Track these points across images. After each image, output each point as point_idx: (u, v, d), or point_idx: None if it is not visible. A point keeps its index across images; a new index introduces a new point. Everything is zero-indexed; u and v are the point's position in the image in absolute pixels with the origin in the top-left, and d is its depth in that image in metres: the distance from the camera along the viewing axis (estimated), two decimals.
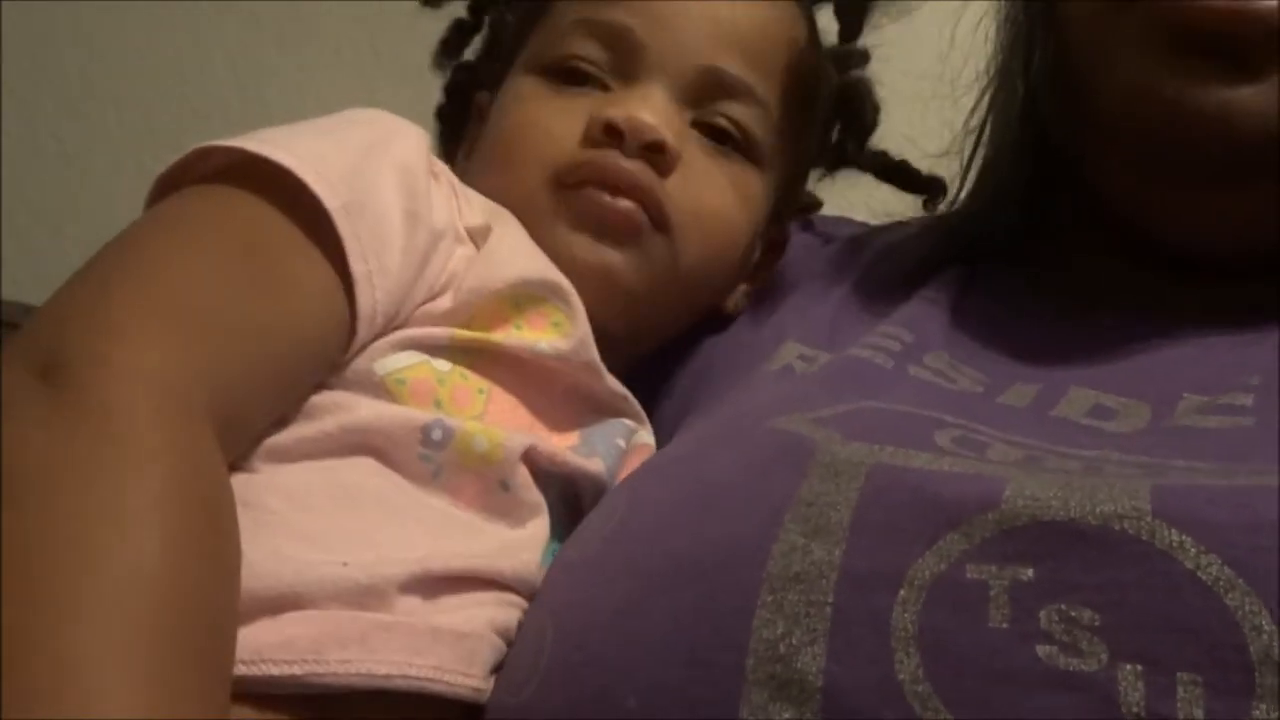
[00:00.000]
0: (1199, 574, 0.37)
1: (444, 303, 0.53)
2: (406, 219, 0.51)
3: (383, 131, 0.54)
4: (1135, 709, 0.36)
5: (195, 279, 0.45)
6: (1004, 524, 0.39)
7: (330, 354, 0.49)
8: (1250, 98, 0.53)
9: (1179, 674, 0.36)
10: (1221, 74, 0.53)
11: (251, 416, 0.46)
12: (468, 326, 0.53)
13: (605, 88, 0.61)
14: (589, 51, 0.62)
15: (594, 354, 0.56)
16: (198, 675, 0.37)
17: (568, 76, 0.62)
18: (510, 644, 0.48)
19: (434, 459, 0.48)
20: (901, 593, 0.39)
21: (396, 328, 0.51)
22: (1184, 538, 0.37)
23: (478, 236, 0.56)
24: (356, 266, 0.48)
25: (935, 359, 0.57)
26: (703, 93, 0.62)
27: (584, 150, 0.59)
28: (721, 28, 0.62)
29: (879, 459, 0.43)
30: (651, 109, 0.59)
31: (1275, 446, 0.44)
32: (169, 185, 0.50)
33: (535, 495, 0.51)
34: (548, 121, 0.61)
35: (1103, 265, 0.60)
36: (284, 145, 0.48)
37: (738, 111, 0.62)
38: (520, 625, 0.49)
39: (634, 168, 0.59)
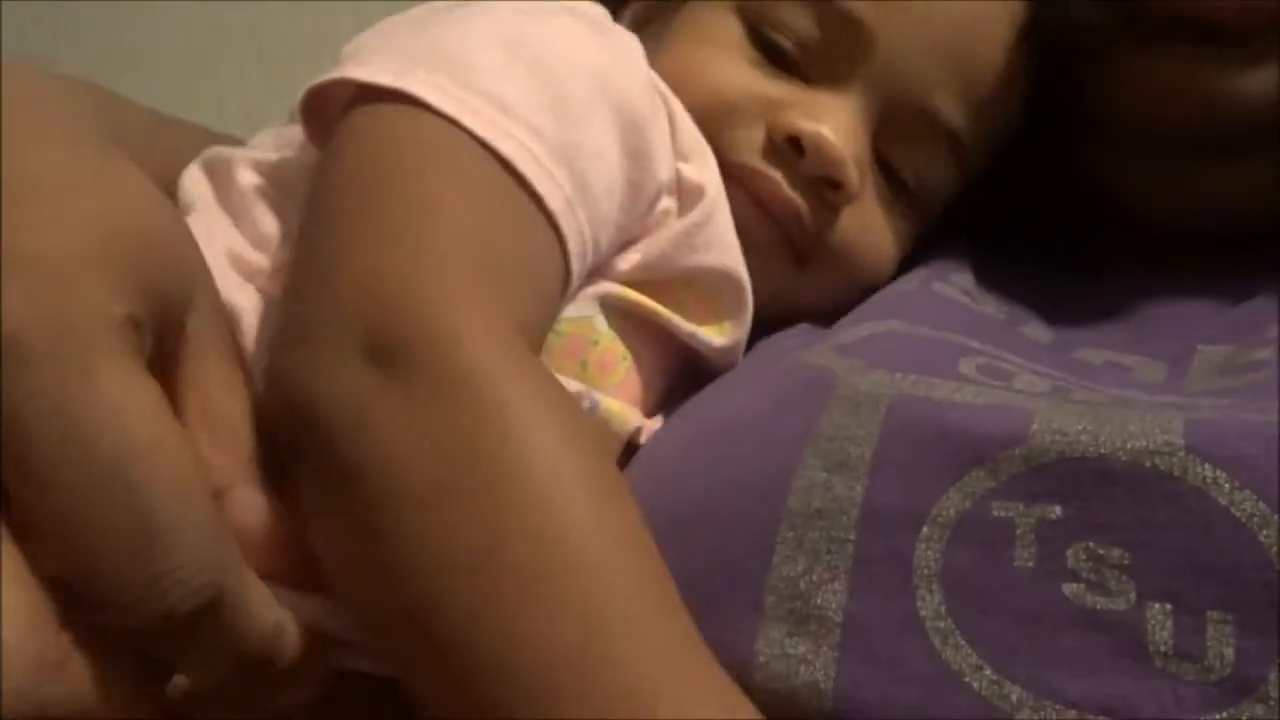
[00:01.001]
0: (1232, 510, 0.35)
1: (633, 257, 0.49)
2: (627, 189, 0.46)
3: (603, 63, 0.47)
4: (1163, 647, 0.35)
5: (482, 226, 0.42)
6: (1031, 460, 0.38)
7: (561, 299, 0.46)
8: (1244, 82, 0.51)
9: (1209, 613, 0.35)
10: (1215, 59, 0.51)
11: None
12: (639, 287, 0.49)
13: (806, 79, 0.53)
14: (803, 28, 0.53)
15: (740, 356, 0.53)
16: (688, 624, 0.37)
17: (770, 49, 0.53)
18: None
19: None
20: (925, 530, 0.38)
21: None
22: (1218, 473, 0.36)
23: (684, 191, 0.50)
24: (576, 265, 0.45)
25: (961, 278, 0.56)
26: (904, 131, 0.54)
27: (758, 153, 0.52)
28: (957, 64, 0.53)
29: (901, 390, 0.42)
30: (846, 131, 0.52)
31: None
32: (326, 97, 0.45)
33: None
34: (732, 95, 0.52)
35: (1096, 236, 0.59)
36: (500, 105, 0.43)
37: (932, 162, 0.55)
38: None
39: (799, 199, 0.52)
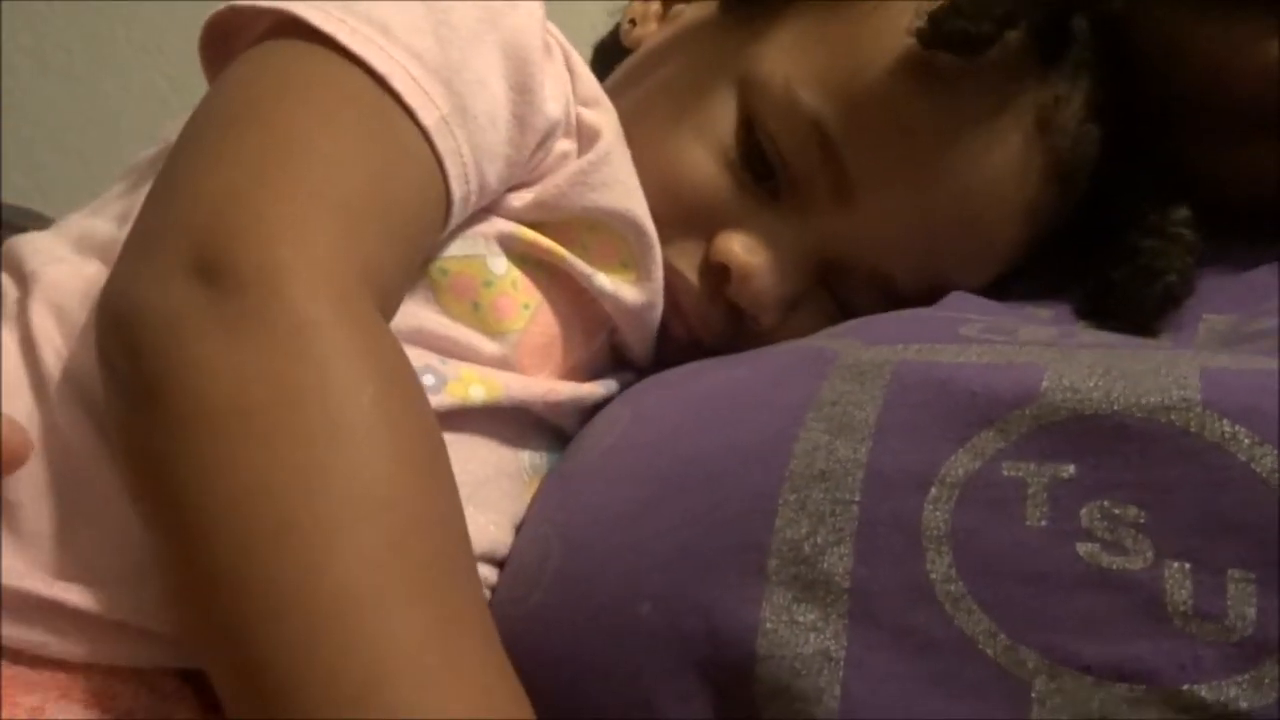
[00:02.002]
0: (1253, 466, 0.34)
1: (526, 195, 0.48)
2: (513, 124, 0.45)
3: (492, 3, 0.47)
4: (1183, 607, 0.34)
5: (341, 162, 0.40)
6: (1042, 419, 0.37)
7: (435, 233, 0.45)
8: None
9: (1230, 571, 0.34)
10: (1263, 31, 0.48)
11: (397, 300, 0.43)
12: (540, 228, 0.48)
13: (776, 195, 0.50)
14: (794, 151, 0.49)
15: (653, 327, 0.51)
16: (463, 596, 0.36)
17: (755, 152, 0.50)
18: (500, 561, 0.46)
19: None
20: (933, 491, 0.37)
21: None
22: (1237, 429, 0.35)
23: (583, 134, 0.49)
24: (456, 188, 0.43)
25: None
26: (852, 279, 0.51)
27: (694, 263, 0.50)
28: (930, 254, 0.50)
29: (903, 356, 0.41)
30: (786, 269, 0.49)
31: None
32: (228, 28, 0.45)
33: None
34: (695, 200, 0.50)
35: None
36: (380, 27, 0.43)
37: (876, 305, 0.50)
38: (518, 535, 0.46)
39: (716, 316, 0.51)
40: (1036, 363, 0.39)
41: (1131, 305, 0.48)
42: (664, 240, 0.50)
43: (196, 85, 0.45)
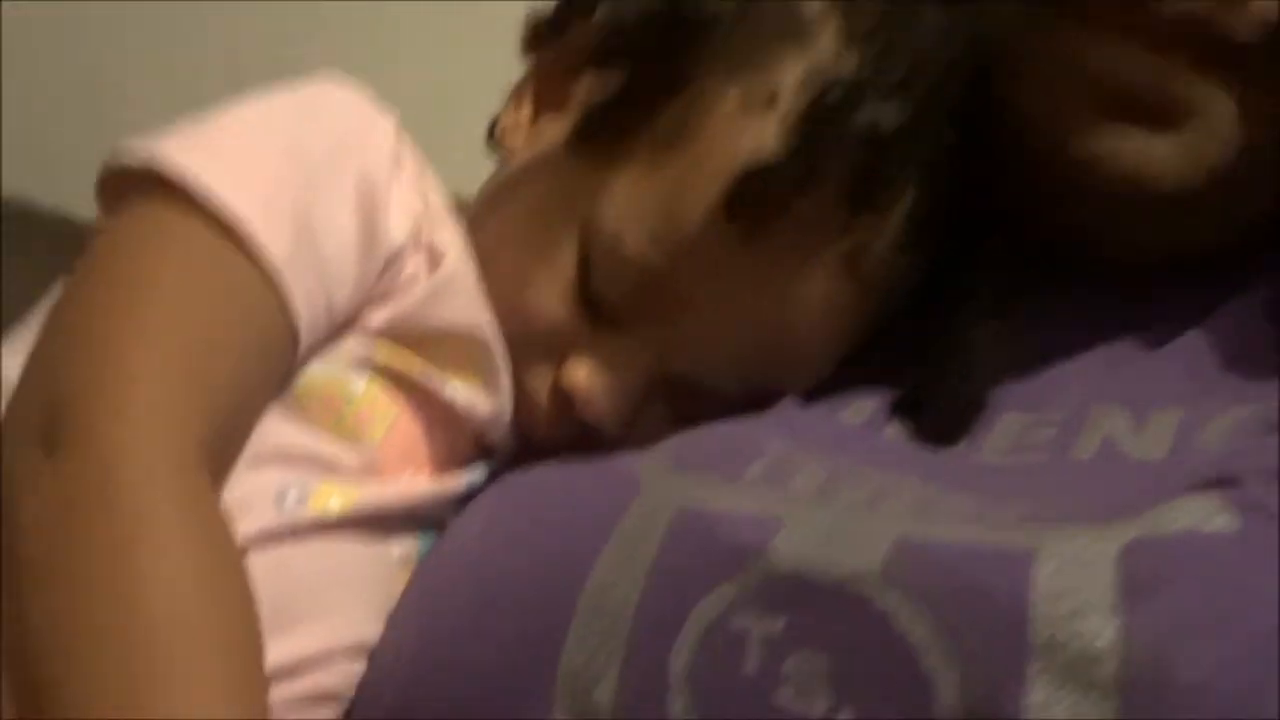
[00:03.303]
0: (908, 637, 0.41)
1: (381, 313, 0.54)
2: (360, 252, 0.52)
3: (345, 132, 0.54)
4: None
5: (184, 320, 0.47)
6: (769, 574, 0.44)
7: (285, 365, 0.52)
8: (1169, 153, 0.54)
9: None
10: (1141, 132, 0.54)
11: (242, 440, 0.50)
12: (395, 344, 0.54)
13: (615, 323, 0.56)
14: (626, 287, 0.55)
15: (506, 429, 0.58)
16: None
17: (593, 291, 0.56)
18: None
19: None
20: (680, 634, 0.45)
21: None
22: (902, 600, 0.42)
23: (432, 254, 0.55)
24: (302, 311, 0.50)
25: None
26: (690, 390, 0.57)
27: (544, 385, 0.57)
28: (762, 365, 0.57)
29: (687, 497, 0.48)
30: (625, 387, 0.56)
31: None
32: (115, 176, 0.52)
33: None
34: (542, 327, 0.56)
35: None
36: (234, 169, 0.50)
37: (720, 408, 0.56)
38: (386, 627, 0.53)
39: (566, 430, 0.57)
40: (781, 518, 0.46)
41: (927, 416, 0.55)
42: (517, 360, 0.57)
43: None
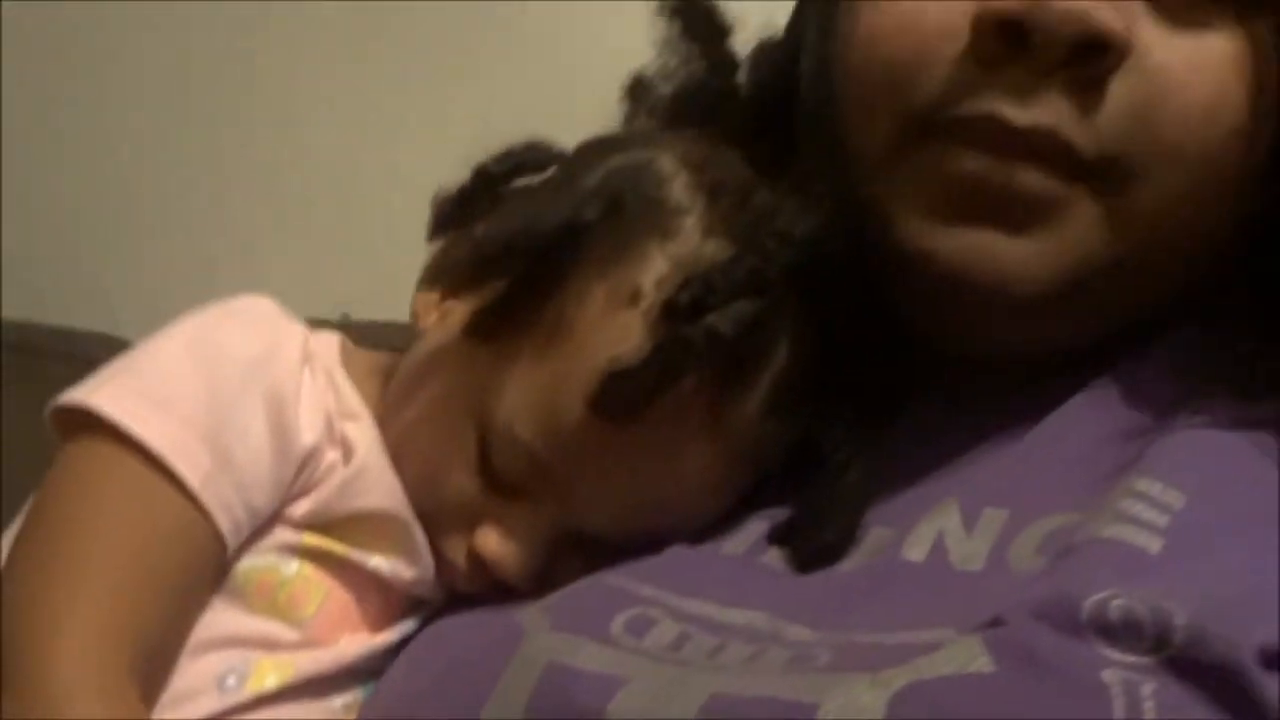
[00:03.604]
0: None
1: (303, 504, 0.62)
2: (275, 458, 0.59)
3: (254, 353, 0.61)
4: None
5: (112, 549, 0.56)
6: None
7: (216, 569, 0.60)
8: (1030, 256, 0.57)
9: None
10: (1002, 232, 0.57)
11: (174, 653, 0.58)
12: (319, 530, 0.62)
13: (517, 492, 0.61)
14: (518, 468, 0.61)
15: (432, 587, 0.64)
16: None
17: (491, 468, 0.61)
18: None
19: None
20: None
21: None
22: None
23: (345, 447, 0.62)
24: (224, 523, 0.58)
25: None
26: (593, 544, 0.62)
27: (461, 553, 0.63)
28: (645, 524, 0.62)
29: (554, 654, 0.54)
30: (529, 551, 0.62)
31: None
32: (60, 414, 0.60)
33: None
34: (450, 504, 0.63)
35: None
36: (155, 400, 0.58)
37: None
38: None
39: (489, 586, 0.63)
40: (626, 678, 0.52)
41: (800, 549, 0.60)
42: (432, 530, 0.64)
43: None
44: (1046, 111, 0.55)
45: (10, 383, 1.10)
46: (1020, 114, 0.55)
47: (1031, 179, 0.56)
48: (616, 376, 0.58)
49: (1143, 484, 0.54)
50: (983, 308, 0.60)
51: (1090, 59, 0.54)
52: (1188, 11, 0.56)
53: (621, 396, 0.58)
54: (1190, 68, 0.55)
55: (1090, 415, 0.61)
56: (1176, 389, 0.60)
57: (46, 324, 1.22)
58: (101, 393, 0.59)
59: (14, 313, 1.25)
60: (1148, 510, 0.53)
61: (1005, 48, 0.55)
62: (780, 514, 0.63)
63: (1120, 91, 0.55)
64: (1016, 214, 0.57)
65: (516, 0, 1.30)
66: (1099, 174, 0.56)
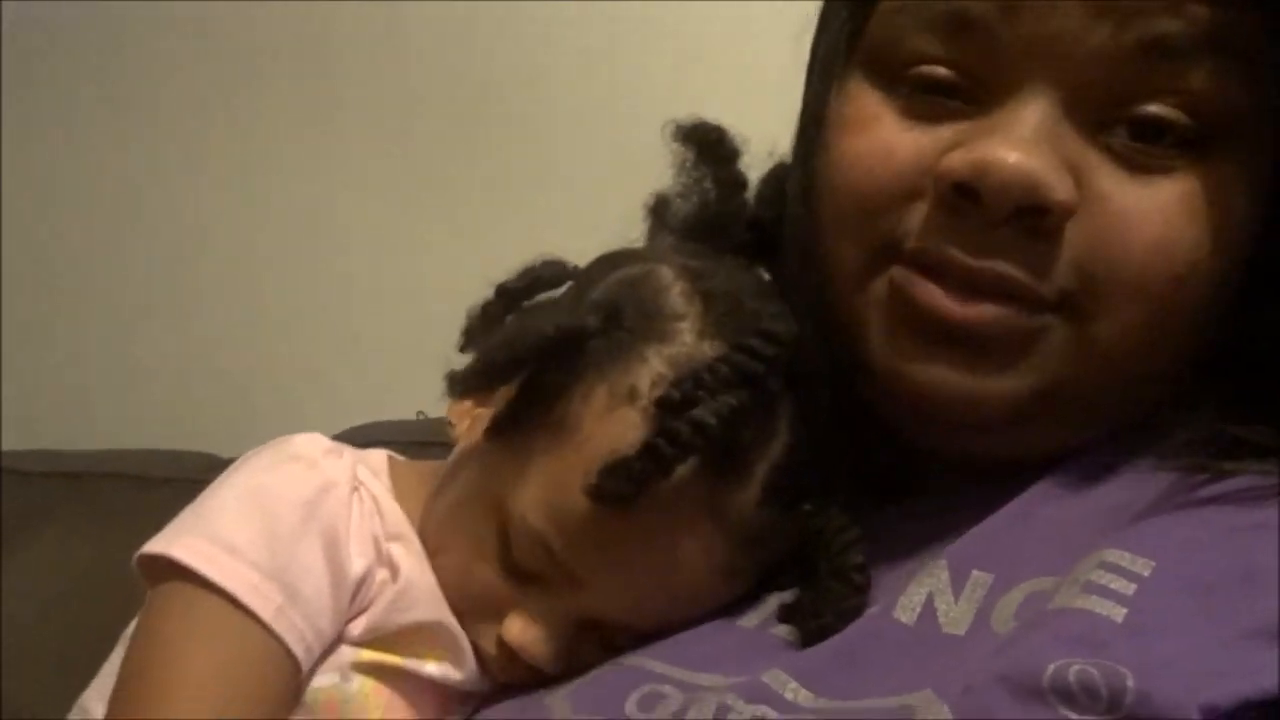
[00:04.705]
0: None
1: (361, 622, 0.67)
2: (333, 587, 0.65)
3: (307, 497, 0.66)
4: None
5: (202, 688, 0.62)
6: None
7: (293, 689, 0.66)
8: (994, 385, 0.61)
9: None
10: (966, 363, 0.61)
11: None
12: (375, 646, 0.68)
13: (542, 582, 0.66)
14: (540, 564, 0.66)
15: (480, 683, 0.69)
16: None
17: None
18: None
19: None
20: None
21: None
22: None
23: (392, 566, 0.68)
24: (298, 649, 0.64)
25: None
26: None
27: (492, 643, 0.68)
28: (656, 613, 0.66)
29: None
30: (550, 638, 0.67)
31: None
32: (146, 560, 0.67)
33: None
34: (472, 595, 0.68)
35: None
36: (227, 547, 0.64)
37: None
38: None
39: (522, 672, 0.68)
40: None
41: (800, 625, 0.64)
42: (468, 625, 0.69)
43: None
44: (1002, 259, 0.59)
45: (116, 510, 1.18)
46: (976, 261, 0.59)
47: (992, 314, 0.60)
48: (612, 467, 0.62)
49: (1113, 555, 0.57)
50: (954, 423, 0.64)
51: (1036, 217, 0.59)
52: (1144, 158, 0.59)
53: (616, 486, 0.62)
54: (1141, 212, 0.59)
55: (1072, 488, 0.64)
56: (1152, 467, 0.63)
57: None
58: (179, 543, 0.66)
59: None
60: (1116, 580, 0.56)
61: (962, 200, 0.59)
62: (792, 594, 0.67)
63: (1073, 237, 0.59)
64: (982, 347, 0.61)
65: (544, 123, 1.38)
66: (1061, 308, 0.60)
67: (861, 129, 0.64)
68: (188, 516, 0.68)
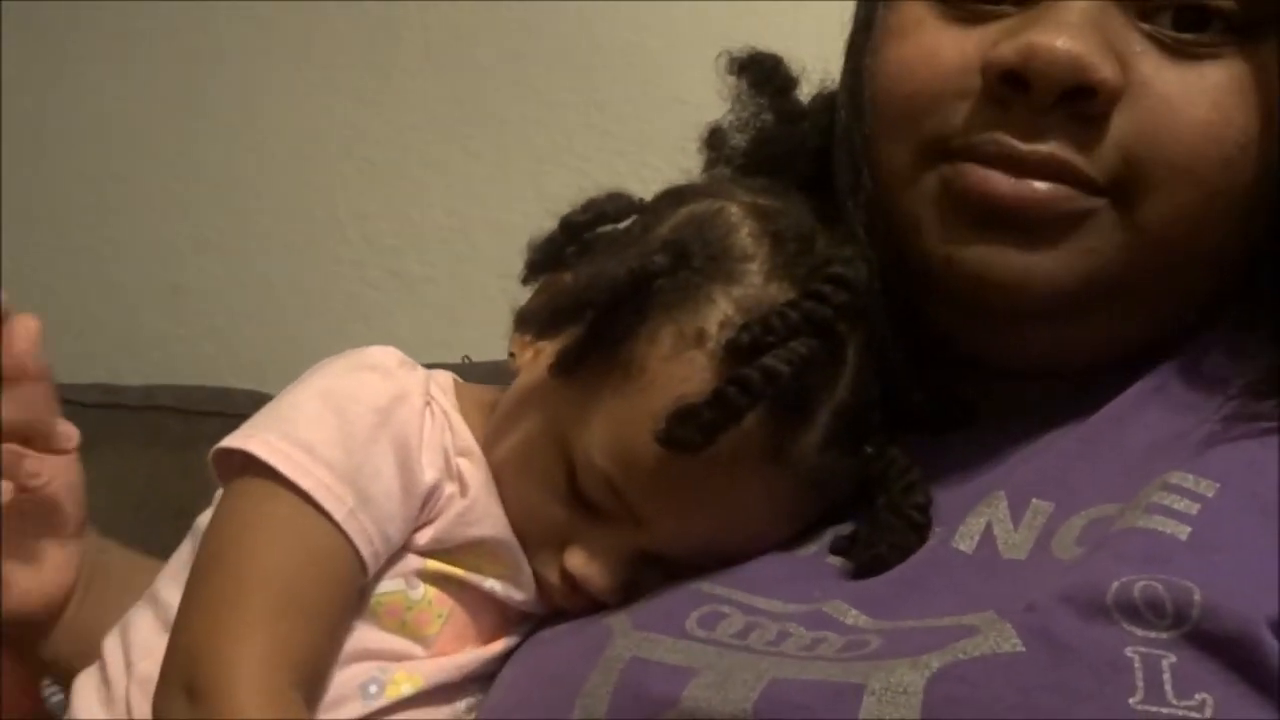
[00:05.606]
0: None
1: (428, 532, 0.67)
2: (403, 495, 0.65)
3: (381, 407, 0.66)
4: None
5: (275, 584, 0.63)
6: (679, 716, 0.56)
7: (357, 591, 0.67)
8: (1046, 264, 0.61)
9: None
10: (1017, 243, 0.61)
11: (329, 663, 0.65)
12: (440, 557, 0.69)
13: (600, 517, 0.66)
14: (601, 496, 0.66)
15: (536, 604, 0.70)
16: None
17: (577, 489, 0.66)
18: None
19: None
20: None
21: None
22: None
23: (461, 481, 0.68)
24: (365, 551, 0.65)
25: None
26: (671, 561, 0.66)
27: (555, 572, 0.68)
28: (719, 552, 0.66)
29: (635, 652, 0.60)
30: (611, 570, 0.67)
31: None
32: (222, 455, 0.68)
33: None
34: (537, 527, 0.68)
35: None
36: (304, 447, 0.65)
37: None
38: None
39: (582, 600, 0.68)
40: (697, 667, 0.57)
41: (860, 558, 0.64)
42: (531, 553, 0.70)
43: None
44: (1051, 144, 0.60)
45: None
46: (1027, 146, 0.60)
47: (1043, 191, 0.61)
48: (681, 414, 0.62)
49: (1176, 477, 0.58)
50: (1008, 315, 0.64)
51: (1084, 100, 0.59)
52: (1190, 46, 0.60)
53: (686, 433, 0.62)
54: (1187, 96, 0.60)
55: (1131, 417, 0.64)
56: (1212, 393, 0.63)
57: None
58: (255, 439, 0.66)
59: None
60: (1180, 500, 0.56)
61: (1010, 90, 0.60)
62: (848, 526, 0.68)
63: (1121, 122, 0.60)
64: (1033, 225, 0.61)
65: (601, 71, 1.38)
66: (1111, 191, 0.61)
67: (906, 35, 0.65)
68: (265, 415, 0.68)
